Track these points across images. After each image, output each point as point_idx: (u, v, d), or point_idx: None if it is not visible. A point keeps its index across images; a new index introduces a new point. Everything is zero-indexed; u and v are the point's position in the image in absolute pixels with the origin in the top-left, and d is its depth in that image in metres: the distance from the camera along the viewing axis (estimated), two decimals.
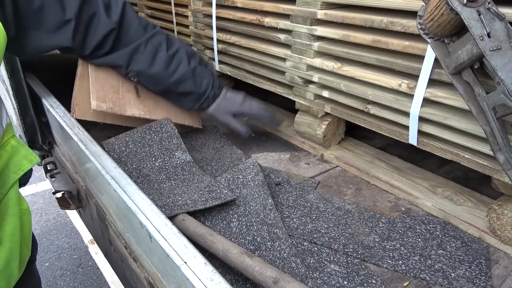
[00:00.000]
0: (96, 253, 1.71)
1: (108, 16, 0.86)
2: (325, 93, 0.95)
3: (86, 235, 1.78)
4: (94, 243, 1.75)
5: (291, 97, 1.07)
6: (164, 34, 0.96)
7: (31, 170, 0.70)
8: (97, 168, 0.71)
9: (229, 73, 1.29)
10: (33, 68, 1.23)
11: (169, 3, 1.57)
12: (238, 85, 1.39)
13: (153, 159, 0.87)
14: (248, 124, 1.05)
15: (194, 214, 0.72)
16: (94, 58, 0.91)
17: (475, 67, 0.57)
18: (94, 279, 1.79)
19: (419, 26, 0.63)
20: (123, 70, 0.92)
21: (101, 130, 1.06)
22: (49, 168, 1.09)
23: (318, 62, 0.92)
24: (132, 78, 0.94)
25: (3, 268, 0.60)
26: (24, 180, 0.73)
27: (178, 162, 0.88)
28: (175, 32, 1.60)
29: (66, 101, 0.97)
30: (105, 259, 1.67)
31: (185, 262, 0.48)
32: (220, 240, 0.61)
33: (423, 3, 0.63)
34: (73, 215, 2.00)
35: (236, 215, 0.74)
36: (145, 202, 0.60)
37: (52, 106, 0.98)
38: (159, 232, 0.53)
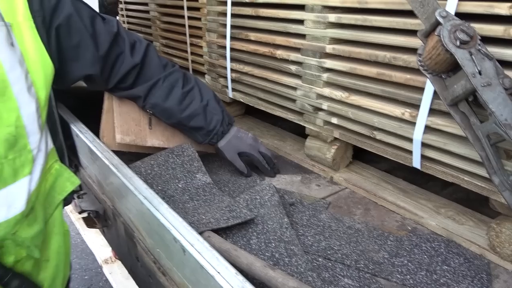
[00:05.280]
0: (110, 272, 1.76)
1: (132, 56, 0.96)
2: (334, 120, 1.03)
3: (100, 255, 1.84)
4: (108, 262, 1.80)
5: (301, 123, 1.14)
6: (182, 73, 1.05)
7: (72, 191, 0.78)
8: (129, 189, 0.78)
9: (241, 100, 1.38)
10: (59, 96, 1.32)
11: (184, 34, 1.68)
12: (250, 109, 1.48)
13: (176, 181, 0.95)
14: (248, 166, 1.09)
15: (217, 231, 0.78)
16: (116, 91, 1.01)
17: (470, 99, 0.65)
18: None
19: (419, 63, 0.71)
20: (141, 102, 1.01)
21: (124, 153, 1.14)
22: (75, 189, 1.16)
23: (327, 91, 1.01)
24: (148, 110, 1.02)
25: (49, 285, 0.66)
26: (67, 201, 0.81)
27: (199, 184, 0.95)
28: (189, 61, 1.70)
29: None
30: (120, 277, 1.72)
31: (219, 272, 0.54)
32: (244, 254, 0.67)
33: (422, 43, 0.71)
34: (86, 236, 2.05)
35: (255, 233, 0.81)
36: (177, 219, 0.66)
37: (81, 131, 1.07)
38: (192, 246, 0.60)
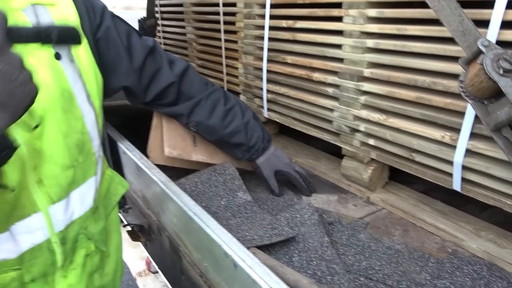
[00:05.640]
0: (144, 285, 1.81)
1: (171, 72, 1.00)
2: (371, 141, 1.05)
3: (134, 268, 1.89)
4: (142, 275, 1.85)
5: (337, 144, 1.17)
6: (222, 91, 1.11)
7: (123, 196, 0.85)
8: (178, 205, 0.82)
9: (277, 120, 1.42)
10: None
11: (219, 56, 1.75)
12: (283, 128, 1.52)
13: (219, 198, 0.99)
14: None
15: (260, 248, 0.81)
16: (158, 106, 1.06)
17: None
18: None
19: (461, 89, 0.73)
20: (184, 119, 1.07)
21: (163, 170, 1.19)
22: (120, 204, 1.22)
23: (364, 113, 1.04)
24: (191, 127, 1.08)
25: (111, 279, 0.72)
26: (121, 204, 0.88)
27: (241, 202, 0.99)
28: (224, 81, 1.77)
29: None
30: None
31: (270, 287, 0.57)
32: (290, 271, 0.70)
33: (463, 70, 0.74)
34: None
35: (296, 251, 0.83)
36: (227, 235, 0.70)
37: (128, 149, 1.13)
38: (244, 262, 0.63)
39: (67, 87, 0.69)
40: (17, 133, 0.62)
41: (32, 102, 0.49)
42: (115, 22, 0.87)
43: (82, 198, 0.75)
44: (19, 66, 0.47)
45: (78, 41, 0.73)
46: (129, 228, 1.13)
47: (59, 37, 0.68)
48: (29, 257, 0.66)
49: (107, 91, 0.94)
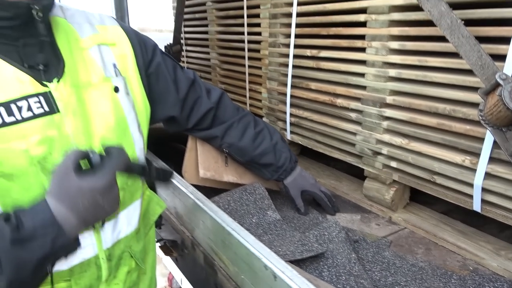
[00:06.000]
0: None
1: (208, 100, 1.09)
2: (393, 164, 1.11)
3: (160, 283, 1.95)
4: None
5: (360, 165, 1.24)
6: (252, 116, 1.19)
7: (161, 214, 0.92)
8: (216, 221, 0.89)
9: (300, 142, 1.49)
10: None
11: (243, 80, 1.84)
12: (304, 150, 1.59)
13: (250, 216, 1.06)
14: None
15: (292, 263, 0.87)
16: (196, 131, 1.15)
17: None
18: None
19: (480, 117, 0.80)
20: (218, 141, 1.15)
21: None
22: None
23: (387, 137, 1.10)
24: (224, 149, 1.16)
25: None
26: (157, 222, 0.95)
27: (271, 220, 1.05)
28: (247, 104, 1.85)
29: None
30: None
31: None
32: (324, 284, 0.76)
33: (482, 100, 0.81)
34: None
35: (326, 266, 0.89)
36: (265, 249, 0.76)
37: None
38: (283, 273, 0.69)
39: (123, 117, 0.77)
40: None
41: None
42: (164, 58, 0.96)
43: (129, 219, 0.81)
44: (115, 201, 0.63)
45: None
46: (161, 243, 1.19)
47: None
48: (78, 270, 0.72)
49: (153, 120, 1.02)
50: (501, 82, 0.73)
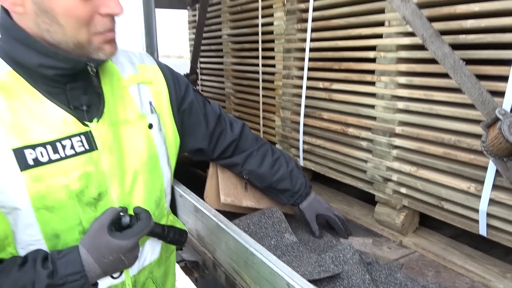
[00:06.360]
0: None
1: (232, 132, 1.18)
2: (403, 190, 1.18)
3: None
4: None
5: (371, 191, 1.30)
6: (270, 145, 1.27)
7: None
8: (240, 243, 0.96)
9: (312, 168, 1.57)
10: None
11: (256, 109, 1.94)
12: (315, 176, 1.66)
13: (269, 238, 1.12)
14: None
15: (311, 282, 0.93)
16: (218, 160, 1.23)
17: None
18: None
19: (483, 148, 0.88)
20: (239, 168, 1.23)
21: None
22: None
23: (396, 165, 1.18)
24: (244, 175, 1.23)
25: None
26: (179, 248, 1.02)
27: (288, 242, 1.12)
28: (261, 132, 1.94)
29: None
30: None
31: None
32: None
33: (484, 132, 0.88)
34: None
35: (342, 286, 0.95)
36: (287, 268, 0.83)
37: (185, 192, 1.29)
38: None
39: (155, 152, 0.85)
40: (114, 190, 0.77)
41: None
42: (196, 95, 1.04)
43: (153, 247, 0.89)
44: (135, 258, 0.74)
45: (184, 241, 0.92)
46: (182, 264, 1.25)
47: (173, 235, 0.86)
48: None
49: (182, 151, 1.08)
50: (500, 117, 0.81)
